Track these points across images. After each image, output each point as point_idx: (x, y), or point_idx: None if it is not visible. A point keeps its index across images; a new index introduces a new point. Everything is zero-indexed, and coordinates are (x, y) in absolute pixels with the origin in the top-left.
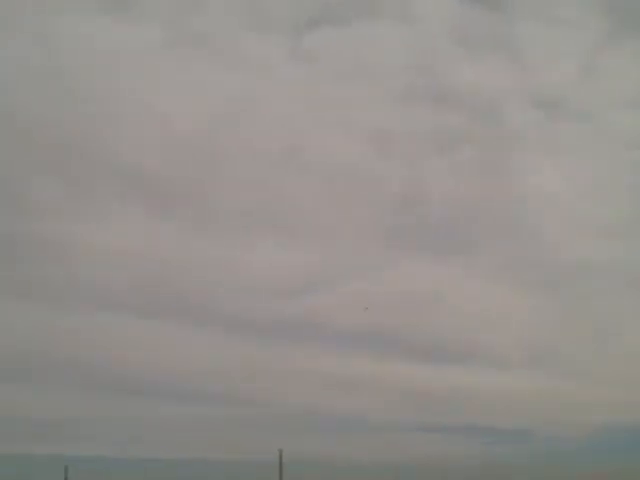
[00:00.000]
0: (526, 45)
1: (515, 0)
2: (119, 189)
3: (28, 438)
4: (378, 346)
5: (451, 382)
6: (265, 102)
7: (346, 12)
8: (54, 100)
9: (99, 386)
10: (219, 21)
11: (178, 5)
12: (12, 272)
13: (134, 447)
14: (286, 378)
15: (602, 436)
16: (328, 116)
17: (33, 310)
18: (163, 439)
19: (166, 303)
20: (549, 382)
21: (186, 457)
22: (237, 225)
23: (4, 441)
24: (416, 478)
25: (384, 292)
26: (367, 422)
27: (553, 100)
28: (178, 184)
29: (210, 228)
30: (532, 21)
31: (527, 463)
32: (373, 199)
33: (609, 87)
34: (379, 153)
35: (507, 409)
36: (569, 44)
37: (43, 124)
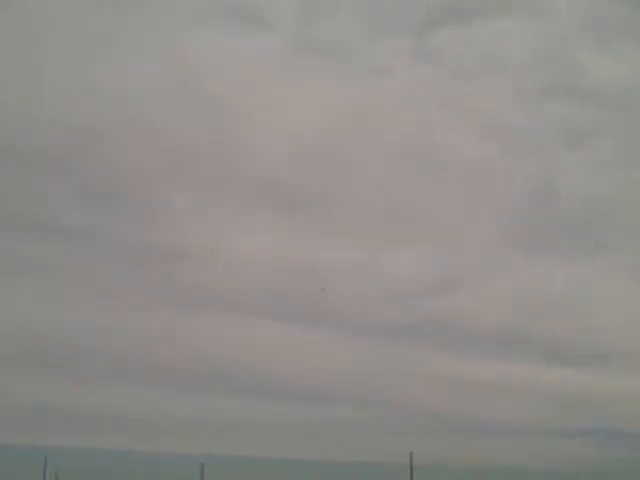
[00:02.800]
0: None
1: None
2: (249, 198)
3: (166, 437)
4: (510, 348)
5: (584, 385)
6: (391, 104)
7: (470, 9)
8: (184, 113)
9: (231, 388)
10: (341, 26)
11: (299, 11)
12: (144, 279)
13: (265, 447)
14: (418, 380)
15: None
16: (455, 115)
17: (171, 316)
18: (293, 440)
19: (298, 308)
20: None
21: (317, 458)
22: (366, 229)
23: (142, 439)
24: None
25: (516, 293)
26: (500, 426)
27: None
28: (306, 190)
29: (339, 233)
30: None
31: None
32: (503, 197)
33: None
34: (508, 150)
35: None
36: None
37: (174, 136)
